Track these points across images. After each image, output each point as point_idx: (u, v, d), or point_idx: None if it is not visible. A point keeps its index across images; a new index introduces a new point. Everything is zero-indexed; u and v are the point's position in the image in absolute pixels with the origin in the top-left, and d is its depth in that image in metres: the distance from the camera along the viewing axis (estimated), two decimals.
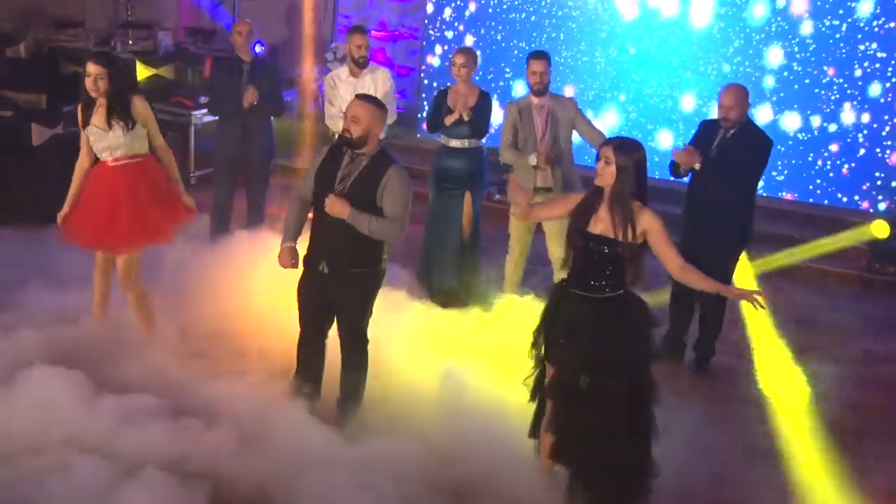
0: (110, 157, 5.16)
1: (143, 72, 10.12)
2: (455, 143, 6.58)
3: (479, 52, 7.03)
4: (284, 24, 11.20)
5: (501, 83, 9.70)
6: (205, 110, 9.09)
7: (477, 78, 6.82)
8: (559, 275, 6.19)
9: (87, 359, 4.99)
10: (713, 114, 6.18)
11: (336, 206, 4.42)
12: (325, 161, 4.60)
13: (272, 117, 7.19)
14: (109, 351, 5.17)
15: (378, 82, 6.77)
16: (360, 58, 6.68)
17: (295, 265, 4.68)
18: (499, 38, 9.75)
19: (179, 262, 6.11)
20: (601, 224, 4.13)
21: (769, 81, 8.78)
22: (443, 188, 6.66)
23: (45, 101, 8.35)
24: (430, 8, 9.88)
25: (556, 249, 6.29)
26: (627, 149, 4.09)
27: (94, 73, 5.02)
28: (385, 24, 10.26)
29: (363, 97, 4.60)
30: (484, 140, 6.73)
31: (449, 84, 6.80)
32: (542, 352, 4.36)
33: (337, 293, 4.63)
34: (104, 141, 5.14)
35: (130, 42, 10.73)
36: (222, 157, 7.01)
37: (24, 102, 8.15)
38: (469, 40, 9.84)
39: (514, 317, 5.83)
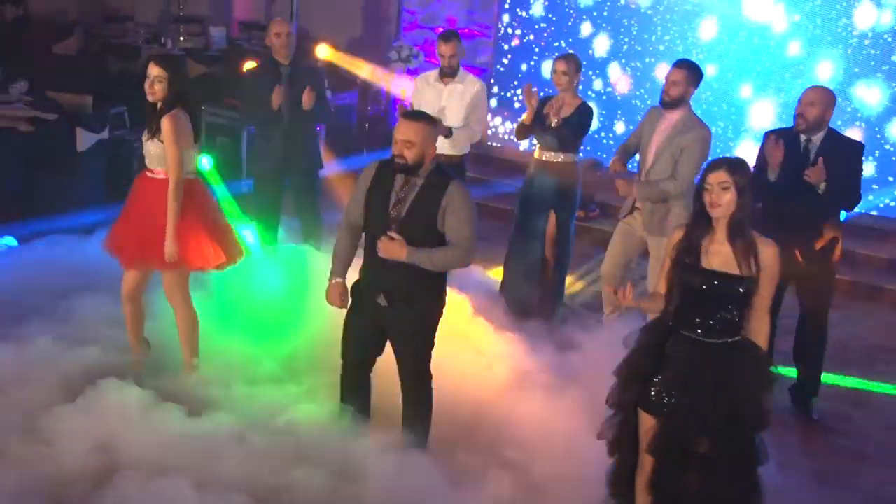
0: (149, 166, 4.78)
1: (193, 70, 9.53)
2: (548, 156, 6.01)
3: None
4: (345, 21, 10.53)
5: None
6: None
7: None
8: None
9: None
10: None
11: (392, 250, 3.94)
12: (374, 182, 4.09)
13: (318, 126, 6.57)
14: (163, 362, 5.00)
15: (468, 92, 6.12)
16: (447, 67, 6.05)
17: (344, 304, 4.22)
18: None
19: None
20: (718, 258, 3.63)
21: None
22: (527, 202, 6.15)
23: (91, 103, 7.77)
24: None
25: (652, 280, 5.51)
26: (741, 168, 3.62)
27: (153, 76, 4.63)
28: (453, 22, 9.53)
29: (411, 115, 4.11)
30: (580, 156, 6.14)
31: (547, 90, 6.24)
32: (633, 397, 3.77)
33: (396, 327, 4.16)
34: (145, 148, 4.76)
35: (181, 38, 10.12)
36: (262, 169, 6.32)
37: (69, 105, 7.59)
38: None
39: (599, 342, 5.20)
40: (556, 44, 9.04)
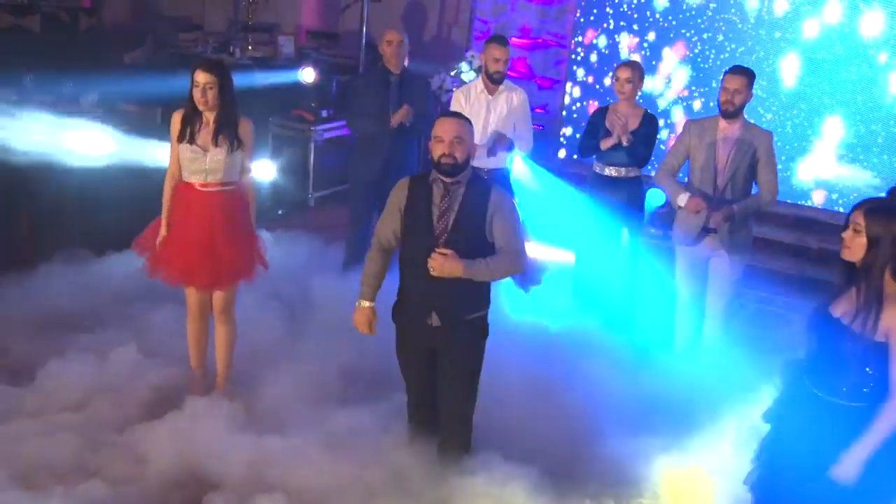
0: (203, 180, 4.55)
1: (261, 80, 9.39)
2: (610, 172, 5.74)
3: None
4: (416, 29, 10.30)
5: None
6: (327, 126, 8.33)
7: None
8: (710, 328, 5.31)
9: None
10: None
11: (447, 266, 3.81)
12: (410, 199, 3.96)
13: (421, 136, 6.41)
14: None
15: (515, 104, 5.92)
16: (496, 73, 5.83)
17: (372, 330, 4.11)
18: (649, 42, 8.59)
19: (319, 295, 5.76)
20: (842, 305, 3.26)
21: None
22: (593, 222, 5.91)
23: (160, 115, 7.69)
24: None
25: (715, 301, 5.30)
26: (884, 215, 3.19)
27: (203, 83, 4.48)
28: (528, 31, 9.21)
29: (452, 113, 4.12)
30: (645, 169, 5.90)
31: (610, 101, 5.98)
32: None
33: (450, 346, 4.03)
34: (200, 162, 4.56)
35: (250, 47, 10.00)
36: (362, 181, 6.22)
37: (138, 117, 7.51)
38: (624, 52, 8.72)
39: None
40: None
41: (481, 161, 5.76)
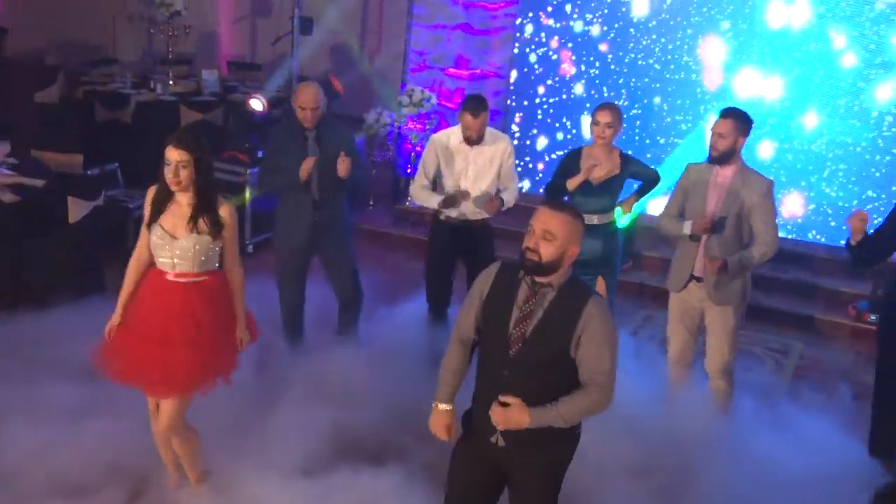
0: (171, 269, 4.00)
1: (187, 117, 8.89)
2: (591, 220, 5.27)
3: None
4: (348, 62, 9.96)
5: None
6: None
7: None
8: (717, 384, 5.06)
9: None
10: None
11: (510, 419, 3.20)
12: (493, 289, 3.33)
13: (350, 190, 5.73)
14: None
15: (498, 152, 5.49)
16: (469, 137, 5.37)
17: (452, 435, 3.45)
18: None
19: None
20: None
21: None
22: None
23: (81, 163, 7.11)
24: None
25: (714, 355, 5.05)
26: None
27: (175, 161, 3.87)
28: (466, 62, 8.96)
29: (552, 203, 3.32)
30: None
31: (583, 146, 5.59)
32: None
33: (520, 475, 3.39)
34: (171, 249, 3.97)
35: (171, 82, 9.45)
36: (288, 249, 5.54)
37: (58, 165, 6.90)
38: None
39: None
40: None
41: (467, 211, 5.51)
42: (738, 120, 4.78)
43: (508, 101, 8.89)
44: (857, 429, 5.11)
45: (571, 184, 5.33)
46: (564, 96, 8.67)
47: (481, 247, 5.61)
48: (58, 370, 5.01)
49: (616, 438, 4.64)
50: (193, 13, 10.17)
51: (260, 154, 7.89)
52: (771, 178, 4.95)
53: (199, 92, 9.39)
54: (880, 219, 5.05)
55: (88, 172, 7.23)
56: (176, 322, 3.95)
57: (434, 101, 8.55)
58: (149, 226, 4.01)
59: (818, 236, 7.86)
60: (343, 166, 5.22)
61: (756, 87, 7.85)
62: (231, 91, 9.52)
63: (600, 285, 5.51)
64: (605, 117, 5.28)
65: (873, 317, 6.84)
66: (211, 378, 4.05)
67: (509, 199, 5.54)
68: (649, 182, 5.54)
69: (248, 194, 7.71)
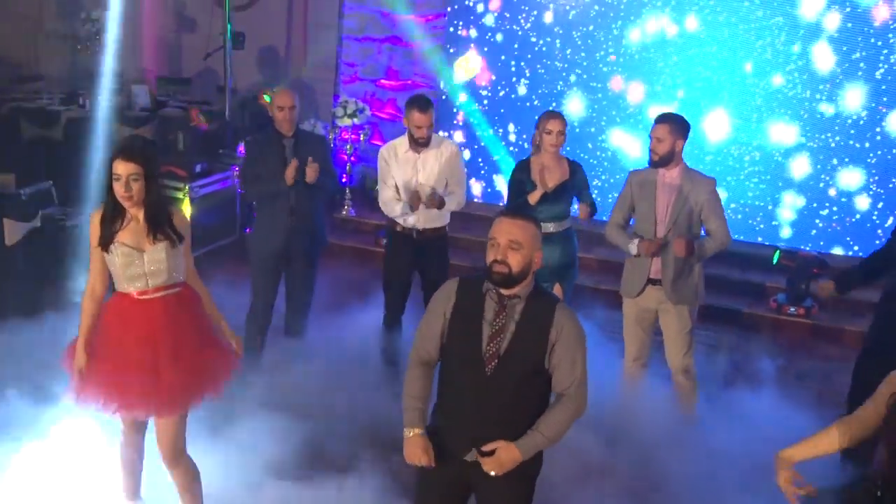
0: (143, 286, 3.78)
1: (120, 133, 8.83)
2: (546, 228, 5.32)
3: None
4: (280, 74, 10.01)
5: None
6: (203, 181, 7.94)
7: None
8: (681, 380, 5.22)
9: None
10: None
11: (502, 463, 3.18)
12: (458, 306, 3.24)
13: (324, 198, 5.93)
14: None
15: (444, 157, 5.54)
16: (420, 138, 5.45)
17: (430, 461, 3.27)
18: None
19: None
20: None
21: None
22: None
23: (14, 182, 7.00)
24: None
25: (675, 355, 5.23)
26: None
27: (125, 174, 3.64)
28: (396, 73, 9.15)
29: (511, 213, 3.30)
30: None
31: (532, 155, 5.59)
32: None
33: (491, 491, 3.32)
34: (137, 266, 3.76)
35: (101, 98, 9.35)
36: (265, 253, 5.65)
37: None
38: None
39: None
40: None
41: (417, 222, 5.55)
42: (674, 123, 4.98)
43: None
44: (807, 416, 5.32)
45: (533, 199, 5.37)
46: (486, 102, 8.93)
47: (436, 257, 5.68)
48: None
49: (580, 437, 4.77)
50: (118, 28, 10.07)
51: (199, 168, 7.98)
52: (713, 176, 5.17)
53: (129, 107, 9.34)
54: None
55: (22, 192, 7.11)
56: (154, 343, 3.79)
57: (368, 111, 8.71)
58: (105, 248, 3.77)
59: (738, 235, 8.25)
60: (311, 172, 5.38)
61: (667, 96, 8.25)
62: (162, 105, 9.50)
63: (556, 292, 5.56)
64: (557, 126, 5.36)
65: (793, 309, 7.29)
66: (207, 389, 3.91)
67: (451, 204, 5.55)
68: (594, 207, 5.57)
69: (188, 208, 7.74)
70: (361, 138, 8.74)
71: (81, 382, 3.82)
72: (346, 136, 8.73)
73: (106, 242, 3.77)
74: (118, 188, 3.67)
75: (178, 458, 3.96)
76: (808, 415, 5.28)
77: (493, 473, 3.19)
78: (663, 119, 5.03)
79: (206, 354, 3.93)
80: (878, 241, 7.33)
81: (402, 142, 5.58)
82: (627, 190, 5.18)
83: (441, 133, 8.81)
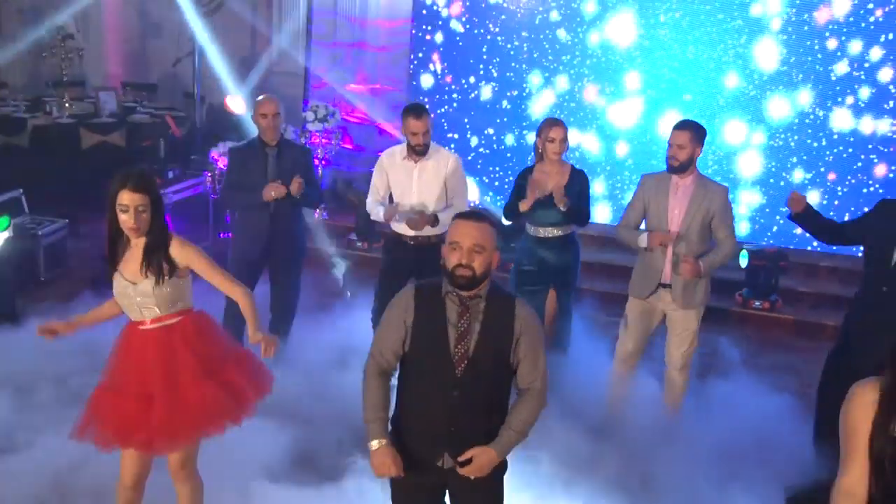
0: (138, 317, 3.71)
1: (88, 140, 8.82)
2: (544, 233, 5.48)
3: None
4: (248, 80, 10.02)
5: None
6: (176, 187, 7.96)
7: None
8: (675, 375, 5.26)
9: None
10: None
11: (484, 465, 3.21)
12: (419, 312, 3.23)
13: (305, 208, 5.97)
14: None
15: (443, 168, 5.48)
16: (417, 146, 5.40)
17: (399, 472, 3.22)
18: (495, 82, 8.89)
19: None
20: None
21: None
22: (525, 284, 5.59)
23: None
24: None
25: (677, 349, 5.23)
26: None
27: (133, 206, 3.54)
28: (365, 77, 9.23)
29: (470, 215, 3.27)
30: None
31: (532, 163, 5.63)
32: None
33: (463, 491, 3.35)
34: (131, 297, 3.68)
35: (67, 104, 9.33)
36: (244, 260, 5.68)
37: None
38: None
39: None
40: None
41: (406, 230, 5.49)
42: (694, 130, 4.96)
43: None
44: (777, 405, 5.45)
45: (523, 206, 5.40)
46: (456, 104, 9.04)
47: (432, 263, 5.69)
48: None
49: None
50: (82, 35, 10.05)
51: (171, 174, 8.01)
52: (726, 184, 5.22)
53: (97, 113, 9.31)
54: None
55: None
56: (154, 373, 3.68)
57: (338, 115, 8.78)
58: (112, 268, 3.72)
59: None
60: (296, 186, 5.43)
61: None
62: (130, 112, 9.49)
63: (551, 297, 5.69)
64: (559, 133, 5.37)
65: (758, 303, 7.52)
66: (217, 421, 3.73)
67: (445, 218, 5.36)
68: (579, 215, 5.54)
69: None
70: (333, 141, 8.81)
71: (88, 412, 3.73)
72: (317, 140, 8.80)
73: (112, 266, 3.73)
74: (126, 219, 3.56)
75: (187, 479, 3.91)
76: (778, 403, 5.48)
77: (472, 477, 3.22)
78: (684, 126, 4.99)
79: (207, 388, 3.72)
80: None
81: (402, 149, 5.54)
82: (640, 193, 5.13)
83: None
